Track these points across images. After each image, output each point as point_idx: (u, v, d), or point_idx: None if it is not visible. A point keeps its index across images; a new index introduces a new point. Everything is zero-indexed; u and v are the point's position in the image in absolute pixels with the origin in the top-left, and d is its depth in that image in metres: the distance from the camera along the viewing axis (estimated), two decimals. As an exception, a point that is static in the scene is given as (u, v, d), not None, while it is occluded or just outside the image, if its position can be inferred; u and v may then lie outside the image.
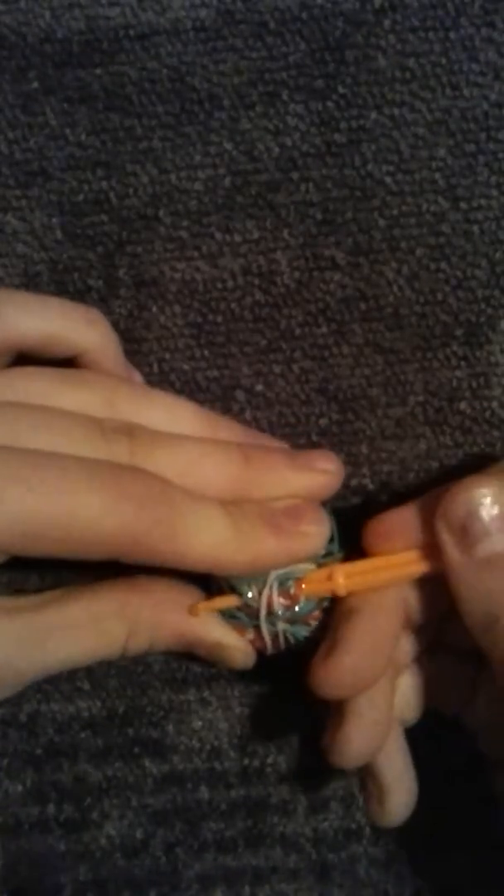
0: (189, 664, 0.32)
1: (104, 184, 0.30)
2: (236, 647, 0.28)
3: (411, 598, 0.28)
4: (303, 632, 0.28)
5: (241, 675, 0.32)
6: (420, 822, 0.33)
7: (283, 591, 0.28)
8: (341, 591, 0.28)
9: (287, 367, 0.31)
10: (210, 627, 0.28)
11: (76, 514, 0.23)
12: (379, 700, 0.27)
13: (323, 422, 0.31)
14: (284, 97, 0.30)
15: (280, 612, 0.28)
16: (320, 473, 0.27)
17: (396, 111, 0.30)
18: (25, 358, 0.27)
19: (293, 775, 0.33)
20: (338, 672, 0.26)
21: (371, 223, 0.31)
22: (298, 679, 0.31)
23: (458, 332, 0.31)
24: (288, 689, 0.32)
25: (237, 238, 0.31)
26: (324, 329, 0.31)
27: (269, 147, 0.30)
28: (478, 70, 0.30)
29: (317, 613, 0.28)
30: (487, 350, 0.31)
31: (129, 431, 0.25)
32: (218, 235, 0.31)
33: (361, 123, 0.30)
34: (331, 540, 0.29)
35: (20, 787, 0.32)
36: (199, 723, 0.32)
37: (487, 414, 0.31)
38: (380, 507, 0.30)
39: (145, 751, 0.32)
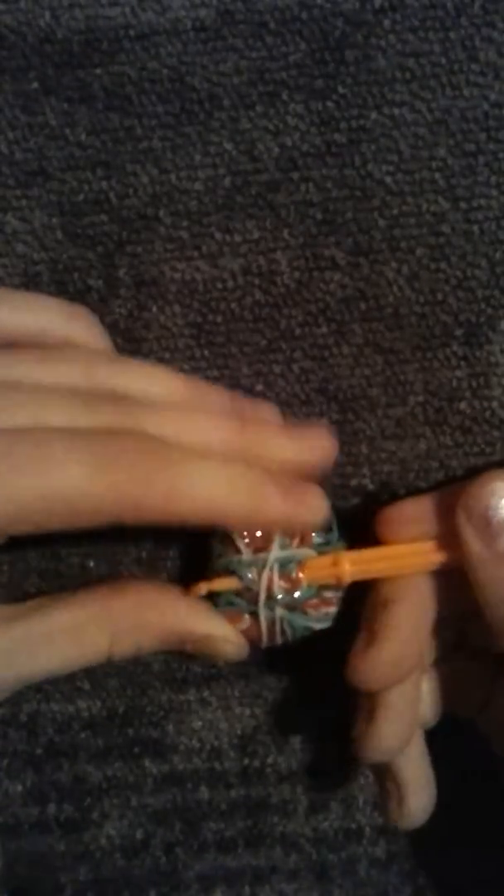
0: (189, 664, 0.32)
1: (104, 184, 0.30)
2: (226, 638, 0.28)
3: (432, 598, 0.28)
4: (300, 621, 0.28)
5: (241, 675, 0.32)
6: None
7: (285, 575, 0.28)
8: (347, 578, 0.28)
9: (287, 367, 0.31)
10: (198, 620, 0.27)
11: (63, 484, 0.22)
12: (409, 694, 0.28)
13: (323, 422, 0.31)
14: (284, 97, 0.30)
15: (280, 597, 0.27)
16: (315, 444, 0.27)
17: (396, 111, 0.30)
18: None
19: (293, 775, 0.33)
20: (378, 663, 0.26)
21: (371, 223, 0.31)
22: (298, 679, 0.31)
23: (458, 332, 0.31)
24: (288, 689, 0.32)
25: (237, 238, 0.31)
26: (324, 329, 0.31)
27: (269, 147, 0.30)
28: (478, 70, 0.30)
29: (315, 602, 0.28)
30: (487, 350, 0.31)
31: (113, 400, 0.25)
32: (218, 235, 0.31)
33: (361, 123, 0.30)
34: (330, 530, 0.29)
35: (20, 787, 0.32)
36: (199, 723, 0.32)
37: (487, 414, 0.31)
38: (380, 507, 0.30)
39: (145, 751, 0.32)
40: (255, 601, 0.27)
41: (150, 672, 0.32)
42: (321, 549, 0.28)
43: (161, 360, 0.31)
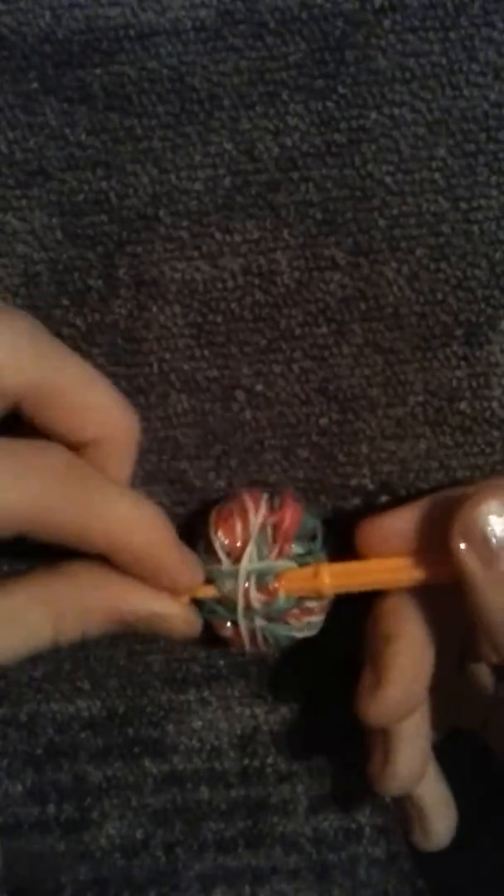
0: (189, 664, 0.32)
1: (104, 184, 0.30)
2: (174, 614, 0.27)
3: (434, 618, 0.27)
4: (281, 631, 0.28)
5: (242, 675, 0.32)
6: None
7: (262, 586, 0.27)
8: (327, 591, 0.27)
9: (287, 367, 0.31)
10: (141, 599, 0.27)
11: None
12: (421, 723, 0.27)
13: (323, 422, 0.31)
14: (284, 97, 0.30)
15: (257, 608, 0.27)
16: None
17: (396, 111, 0.30)
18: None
19: (293, 775, 0.33)
20: (387, 702, 0.26)
21: (371, 223, 0.31)
22: (298, 679, 0.31)
23: (458, 332, 0.31)
24: (288, 689, 0.32)
25: (237, 238, 0.31)
26: (324, 329, 0.31)
27: (269, 147, 0.30)
28: (478, 70, 0.30)
29: (296, 612, 0.28)
30: (487, 350, 0.31)
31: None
32: (218, 235, 0.31)
33: (361, 123, 0.30)
34: (313, 538, 0.29)
35: (20, 787, 0.32)
36: (199, 723, 0.32)
37: (487, 414, 0.31)
38: (380, 507, 0.30)
39: (145, 751, 0.32)
40: (235, 611, 0.27)
41: (150, 672, 0.32)
42: (301, 559, 0.28)
43: (161, 360, 0.31)
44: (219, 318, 0.31)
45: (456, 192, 0.30)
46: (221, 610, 0.28)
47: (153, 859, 0.33)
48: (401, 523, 0.27)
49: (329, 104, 0.30)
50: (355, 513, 0.31)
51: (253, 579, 0.27)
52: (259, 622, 0.28)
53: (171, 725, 0.32)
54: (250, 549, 0.28)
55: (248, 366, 0.31)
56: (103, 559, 0.26)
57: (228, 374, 0.31)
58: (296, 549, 0.28)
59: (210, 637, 0.32)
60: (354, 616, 0.31)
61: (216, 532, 0.28)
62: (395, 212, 0.31)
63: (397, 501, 0.31)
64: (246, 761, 0.32)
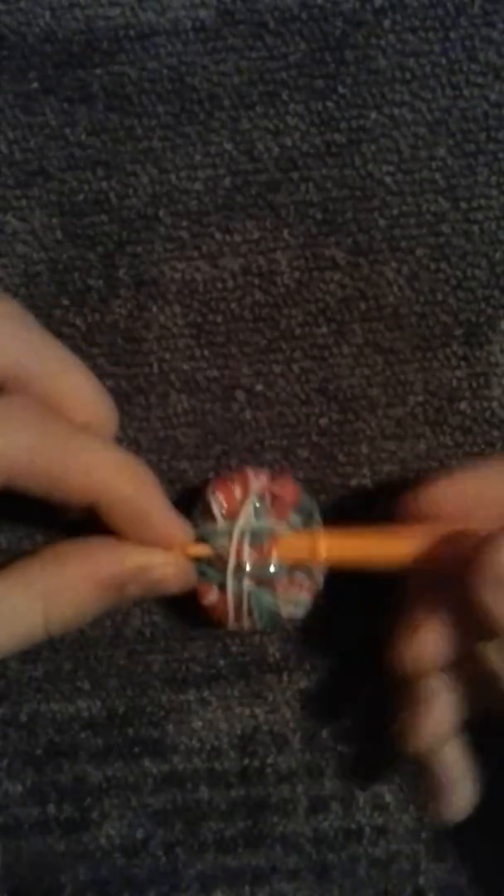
0: (189, 664, 0.32)
1: (104, 184, 0.30)
2: (164, 562, 0.26)
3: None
4: (267, 599, 0.27)
5: (242, 675, 0.32)
6: (420, 822, 0.33)
7: (256, 545, 0.27)
8: (322, 556, 0.27)
9: (287, 367, 0.31)
10: (128, 554, 0.26)
11: None
12: (452, 680, 0.27)
13: (323, 422, 0.31)
14: (284, 97, 0.30)
15: (248, 568, 0.27)
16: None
17: (396, 111, 0.30)
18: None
19: (293, 775, 0.33)
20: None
21: (371, 223, 0.31)
22: (298, 679, 0.31)
23: (458, 332, 0.31)
24: (288, 689, 0.32)
25: (237, 238, 0.31)
26: (324, 329, 0.31)
27: (269, 147, 0.30)
28: (478, 70, 0.30)
29: (285, 582, 0.28)
30: (487, 350, 0.31)
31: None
32: (218, 235, 0.31)
33: (361, 123, 0.30)
34: (310, 516, 0.29)
35: (20, 787, 0.32)
36: (199, 723, 0.32)
37: (487, 414, 0.31)
38: (380, 507, 0.30)
39: (145, 751, 0.32)
40: (225, 571, 0.27)
41: (150, 672, 0.32)
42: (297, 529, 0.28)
43: (161, 360, 0.31)
44: (219, 318, 0.31)
45: (456, 192, 0.30)
46: (211, 571, 0.27)
47: (153, 859, 0.33)
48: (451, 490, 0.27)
49: (329, 104, 0.30)
50: (355, 513, 0.31)
51: (247, 538, 0.27)
52: (247, 585, 0.27)
53: (171, 725, 0.32)
54: (248, 507, 0.28)
55: (248, 366, 0.31)
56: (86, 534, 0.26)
57: (228, 374, 0.31)
58: (293, 519, 0.28)
59: (209, 637, 0.32)
60: (354, 616, 0.31)
61: (214, 493, 0.28)
62: (395, 212, 0.31)
63: (398, 501, 0.31)
64: (246, 761, 0.32)
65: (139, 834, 0.33)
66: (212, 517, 0.28)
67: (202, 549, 0.27)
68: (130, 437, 0.31)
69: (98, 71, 0.30)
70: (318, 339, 0.31)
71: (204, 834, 0.33)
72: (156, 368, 0.31)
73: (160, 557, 0.26)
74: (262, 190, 0.31)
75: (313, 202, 0.31)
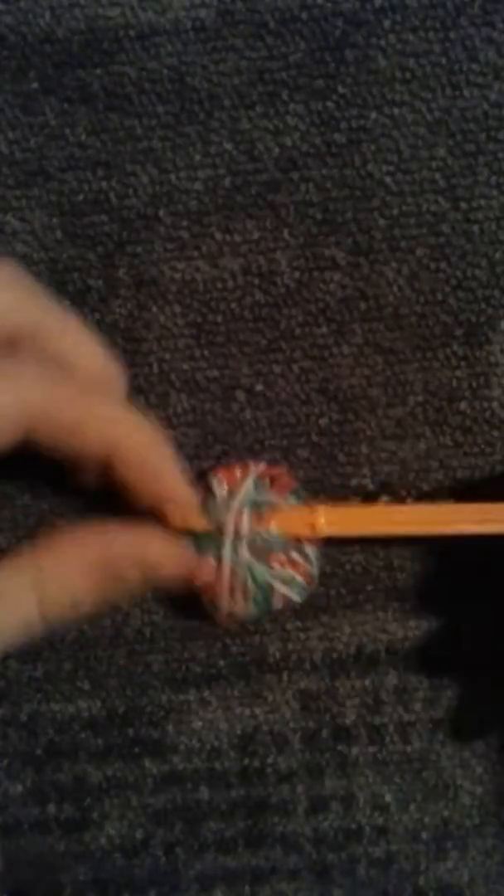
0: (189, 664, 0.32)
1: (104, 184, 0.30)
2: (160, 548, 0.26)
3: None
4: (262, 572, 0.27)
5: (242, 675, 0.32)
6: (420, 822, 0.33)
7: (255, 514, 0.28)
8: (321, 531, 0.27)
9: (287, 367, 0.31)
10: (125, 540, 0.26)
11: None
12: None
13: (323, 422, 0.31)
14: (284, 97, 0.30)
15: (247, 536, 0.27)
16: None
17: (396, 111, 0.30)
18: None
19: (293, 775, 0.33)
20: None
21: (371, 223, 0.31)
22: (298, 679, 0.31)
23: (458, 332, 0.31)
24: (288, 689, 0.32)
25: (237, 238, 0.31)
26: (324, 329, 0.31)
27: (269, 147, 0.30)
28: (478, 70, 0.30)
29: (282, 558, 0.28)
30: (487, 350, 0.31)
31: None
32: (218, 235, 0.31)
33: (361, 123, 0.30)
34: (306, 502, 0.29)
35: (20, 787, 0.32)
36: (199, 723, 0.32)
37: (487, 414, 0.31)
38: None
39: (145, 751, 0.32)
40: (223, 544, 0.27)
41: (150, 672, 0.32)
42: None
43: (161, 360, 0.31)
44: (219, 318, 0.31)
45: (456, 192, 0.30)
46: (209, 544, 0.27)
47: (153, 859, 0.33)
48: None
49: (329, 104, 0.30)
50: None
51: (247, 508, 0.27)
52: (244, 556, 0.27)
53: (171, 725, 0.32)
54: (248, 482, 0.28)
55: (248, 366, 0.31)
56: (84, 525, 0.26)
57: (228, 374, 0.31)
58: (291, 500, 0.29)
59: (209, 637, 0.32)
60: (353, 616, 0.31)
61: (215, 475, 0.29)
62: (395, 212, 0.31)
63: (397, 501, 0.31)
64: (246, 761, 0.32)
65: (139, 834, 0.33)
66: (212, 495, 0.28)
67: (200, 523, 0.27)
68: (130, 437, 0.31)
69: (98, 71, 0.30)
70: (318, 339, 0.31)
71: (204, 834, 0.33)
72: (156, 368, 0.31)
73: (154, 539, 0.27)
74: (262, 190, 0.31)
75: (313, 202, 0.31)
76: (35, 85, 0.30)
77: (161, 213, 0.31)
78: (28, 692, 0.32)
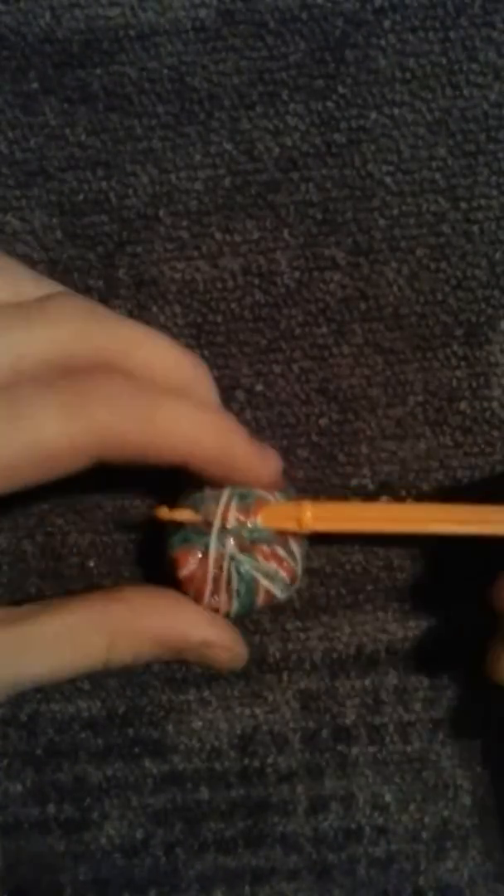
0: (189, 664, 0.32)
1: (104, 184, 0.30)
2: (223, 645, 0.28)
3: None
4: (247, 564, 0.27)
5: (242, 675, 0.32)
6: (420, 822, 0.33)
7: (242, 507, 0.28)
8: (307, 526, 0.27)
9: (287, 367, 0.31)
10: (193, 626, 0.27)
11: (39, 436, 0.23)
12: None
13: (323, 422, 0.31)
14: (284, 97, 0.30)
15: (233, 527, 0.27)
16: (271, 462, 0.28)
17: (396, 111, 0.30)
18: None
19: (293, 775, 0.33)
20: None
21: (371, 223, 0.31)
22: (298, 679, 0.31)
23: (458, 332, 0.31)
24: (288, 689, 0.32)
25: (237, 238, 0.31)
26: (324, 329, 0.31)
27: (269, 147, 0.30)
28: (478, 70, 0.30)
29: (267, 551, 0.28)
30: (487, 350, 0.31)
31: (91, 349, 0.26)
32: (218, 235, 0.31)
33: (361, 123, 0.30)
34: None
35: (20, 787, 0.32)
36: (199, 723, 0.32)
37: (487, 414, 0.31)
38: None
39: (145, 751, 0.32)
40: (210, 534, 0.27)
41: (150, 672, 0.32)
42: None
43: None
44: (219, 318, 0.31)
45: (456, 192, 0.30)
46: (195, 536, 0.28)
47: (153, 859, 0.33)
48: None
49: (329, 104, 0.30)
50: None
51: (235, 501, 0.27)
52: (230, 548, 0.27)
53: (171, 725, 0.32)
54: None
55: (248, 366, 0.31)
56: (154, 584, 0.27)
57: (228, 374, 0.31)
58: (279, 497, 0.28)
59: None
60: (353, 616, 0.31)
61: None
62: (395, 212, 0.31)
63: (397, 501, 0.31)
64: (246, 761, 0.32)
65: (139, 834, 0.33)
66: (200, 488, 0.28)
67: (188, 514, 0.28)
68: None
69: (98, 71, 0.30)
70: (318, 339, 0.31)
71: (204, 834, 0.33)
72: (156, 368, 0.31)
73: (224, 638, 0.28)
74: (262, 190, 0.31)
75: (313, 202, 0.31)
76: (35, 85, 0.30)
77: (161, 213, 0.31)
78: (28, 692, 0.32)
